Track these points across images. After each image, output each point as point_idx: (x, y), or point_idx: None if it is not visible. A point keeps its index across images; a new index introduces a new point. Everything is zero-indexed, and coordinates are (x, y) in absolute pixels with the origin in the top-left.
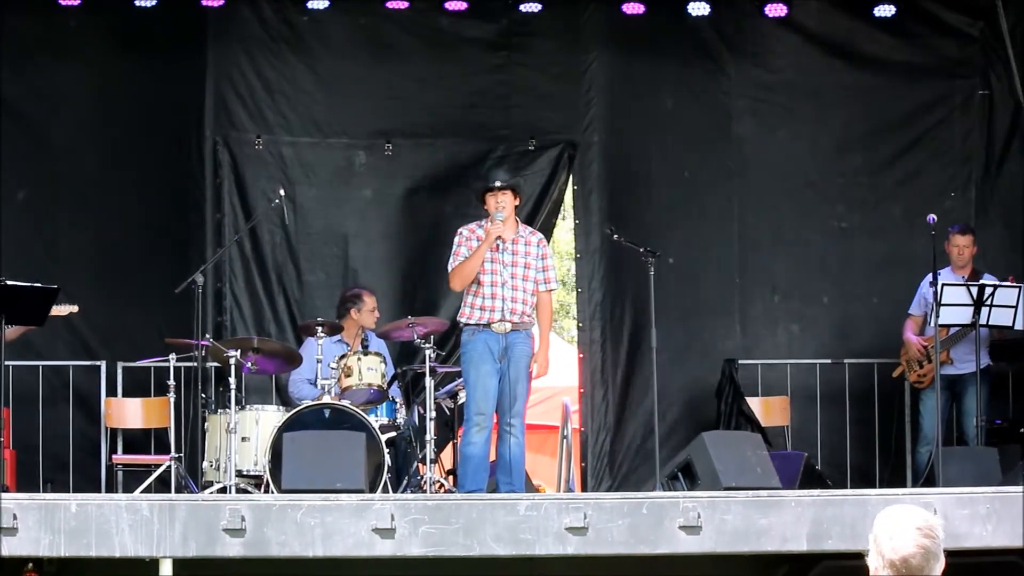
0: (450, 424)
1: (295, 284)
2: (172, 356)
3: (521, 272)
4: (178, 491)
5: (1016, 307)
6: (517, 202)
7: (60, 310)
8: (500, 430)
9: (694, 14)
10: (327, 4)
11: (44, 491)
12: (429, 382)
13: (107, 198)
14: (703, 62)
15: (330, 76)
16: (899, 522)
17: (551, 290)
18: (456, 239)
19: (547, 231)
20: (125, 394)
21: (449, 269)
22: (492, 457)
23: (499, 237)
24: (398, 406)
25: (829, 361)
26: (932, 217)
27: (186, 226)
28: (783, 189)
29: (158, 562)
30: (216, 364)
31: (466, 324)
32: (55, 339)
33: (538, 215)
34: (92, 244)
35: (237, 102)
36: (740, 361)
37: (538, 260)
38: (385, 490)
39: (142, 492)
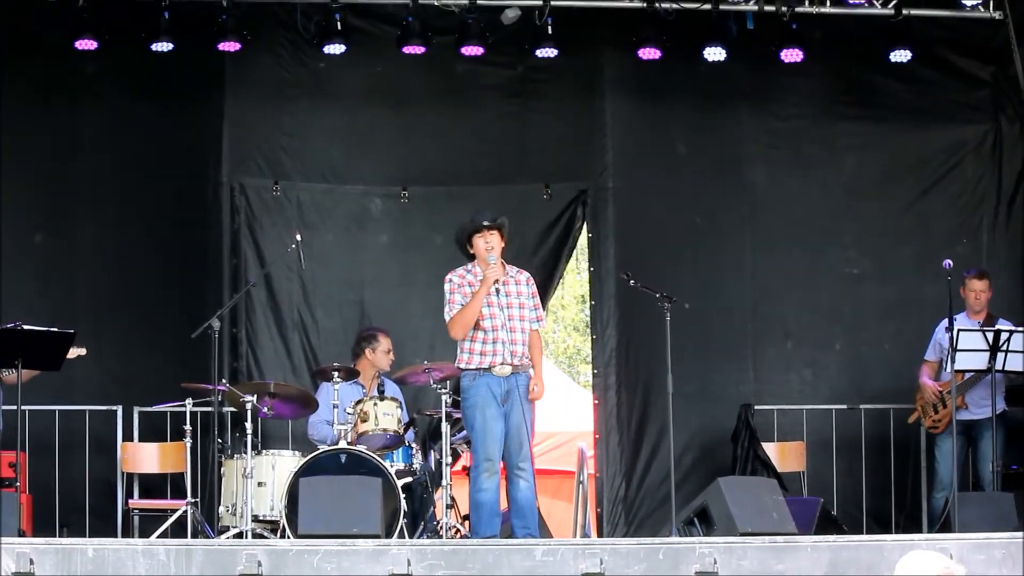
0: (466, 469)
1: (311, 329)
2: (188, 401)
3: (517, 313)
4: (195, 536)
5: None
6: (503, 243)
7: (68, 353)
8: (510, 474)
9: (710, 59)
10: (343, 50)
11: (60, 535)
12: (445, 427)
13: (124, 243)
14: (717, 108)
15: (347, 122)
16: (919, 568)
17: (541, 327)
18: (447, 287)
19: (561, 276)
20: (141, 438)
21: (447, 319)
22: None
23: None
24: (414, 451)
25: (845, 407)
26: (948, 262)
27: (203, 271)
28: (795, 234)
29: None
30: (232, 409)
31: (465, 369)
32: (71, 383)
33: (560, 263)
34: (108, 289)
35: (254, 148)
36: (756, 406)
37: (530, 299)
38: (401, 535)
39: (159, 537)
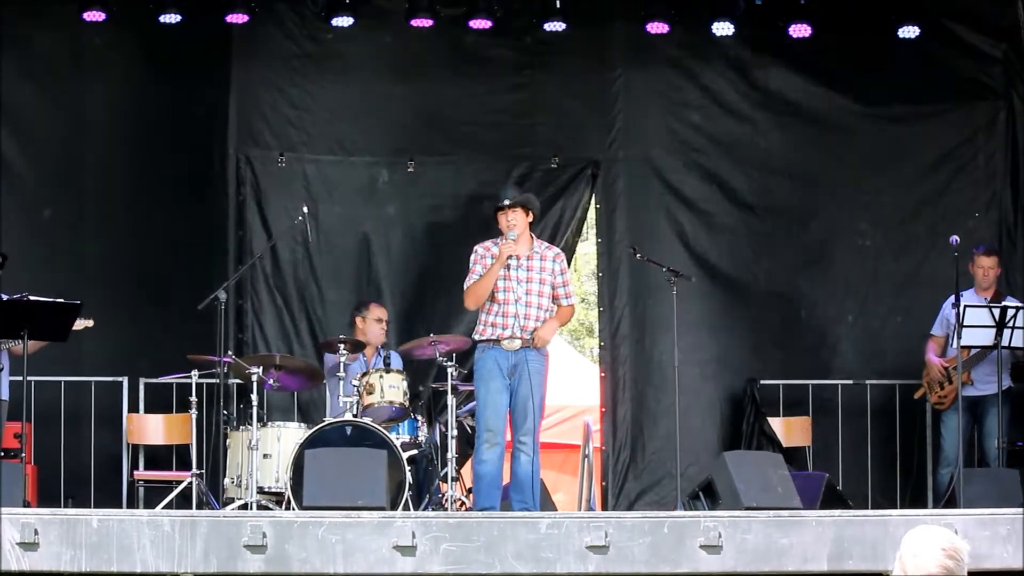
0: (471, 442)
1: (317, 302)
2: (194, 372)
3: (536, 288)
4: (199, 507)
5: None
6: (530, 218)
7: (75, 325)
8: (512, 448)
9: (718, 34)
10: (352, 22)
11: (65, 506)
12: (451, 400)
13: (130, 215)
14: (727, 80)
15: (354, 94)
16: (924, 542)
17: (571, 305)
18: (472, 256)
19: (569, 250)
20: (147, 410)
21: (465, 288)
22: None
23: (511, 256)
24: (420, 424)
25: (851, 382)
26: (955, 238)
27: (209, 243)
28: (808, 206)
29: None
30: (238, 381)
31: (478, 341)
32: (78, 355)
33: (560, 234)
34: (115, 261)
35: (260, 119)
36: (762, 381)
37: (556, 276)
38: (406, 507)
39: (163, 508)
